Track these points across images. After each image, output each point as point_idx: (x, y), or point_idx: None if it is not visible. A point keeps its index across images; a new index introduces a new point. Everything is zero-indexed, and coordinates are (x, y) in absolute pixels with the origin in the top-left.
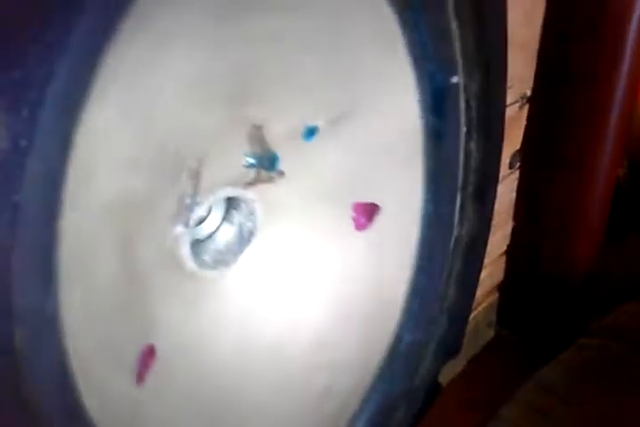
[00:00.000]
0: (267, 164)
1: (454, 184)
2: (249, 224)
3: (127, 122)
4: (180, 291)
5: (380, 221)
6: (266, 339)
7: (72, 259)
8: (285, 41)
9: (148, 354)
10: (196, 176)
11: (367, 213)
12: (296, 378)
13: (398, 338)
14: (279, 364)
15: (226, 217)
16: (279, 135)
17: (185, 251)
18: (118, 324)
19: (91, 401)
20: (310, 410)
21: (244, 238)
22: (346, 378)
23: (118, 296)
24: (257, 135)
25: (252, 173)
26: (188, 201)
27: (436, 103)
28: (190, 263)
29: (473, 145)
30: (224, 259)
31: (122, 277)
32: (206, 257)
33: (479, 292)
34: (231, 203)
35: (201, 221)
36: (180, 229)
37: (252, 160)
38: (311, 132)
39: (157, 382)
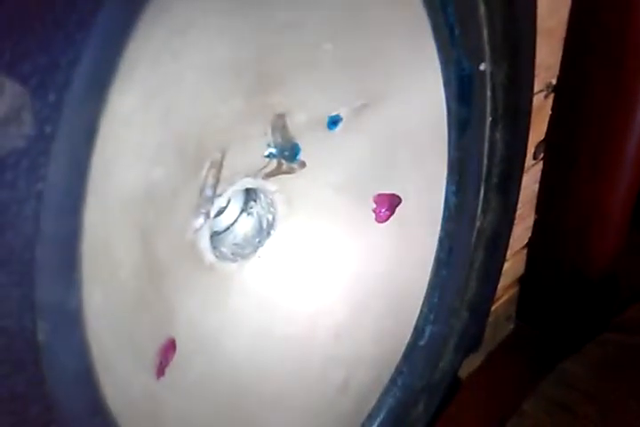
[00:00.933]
0: (288, 154)
1: (478, 175)
2: (268, 216)
3: (150, 110)
4: (198, 284)
5: (401, 212)
6: (283, 332)
7: (94, 250)
8: (307, 29)
9: (169, 347)
10: (217, 167)
11: (388, 204)
12: (313, 372)
13: (419, 332)
14: (297, 357)
15: (245, 209)
16: (302, 125)
17: (204, 243)
18: (139, 317)
19: (112, 395)
20: (328, 404)
21: (263, 230)
22: (364, 372)
23: (138, 289)
24: (279, 124)
25: (272, 164)
26: (208, 192)
27: (462, 91)
28: (209, 255)
29: (498, 135)
30: (243, 251)
31: (142, 269)
32: (225, 249)
33: (499, 285)
34: (250, 194)
35: (219, 213)
36: (200, 220)
37: (272, 150)
38: (334, 122)
39: (177, 376)
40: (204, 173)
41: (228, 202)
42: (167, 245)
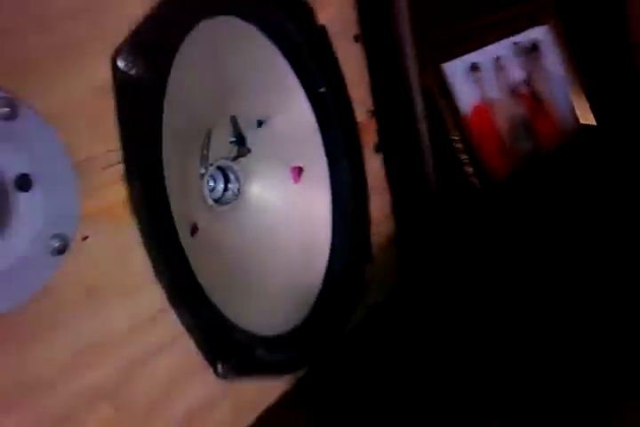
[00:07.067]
0: (241, 142)
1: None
2: (236, 184)
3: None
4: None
5: (305, 176)
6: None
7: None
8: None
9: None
10: (208, 140)
11: (297, 172)
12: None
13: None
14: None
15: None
16: (246, 123)
17: (206, 191)
18: None
19: None
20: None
21: (236, 192)
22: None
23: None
24: (234, 122)
25: (234, 150)
26: (205, 152)
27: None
28: (209, 200)
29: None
30: (228, 202)
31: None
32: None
33: None
34: (227, 173)
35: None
36: (202, 169)
37: (233, 139)
38: (260, 123)
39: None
40: (203, 142)
41: (215, 182)
42: (188, 179)
